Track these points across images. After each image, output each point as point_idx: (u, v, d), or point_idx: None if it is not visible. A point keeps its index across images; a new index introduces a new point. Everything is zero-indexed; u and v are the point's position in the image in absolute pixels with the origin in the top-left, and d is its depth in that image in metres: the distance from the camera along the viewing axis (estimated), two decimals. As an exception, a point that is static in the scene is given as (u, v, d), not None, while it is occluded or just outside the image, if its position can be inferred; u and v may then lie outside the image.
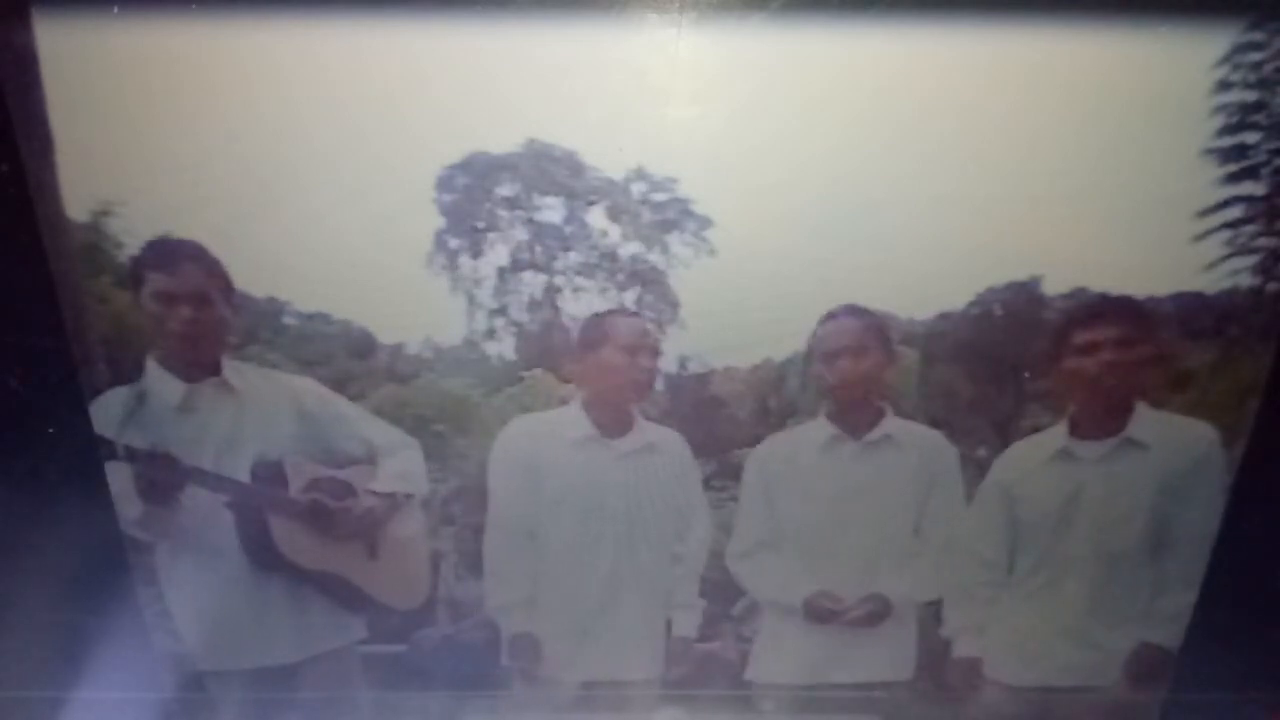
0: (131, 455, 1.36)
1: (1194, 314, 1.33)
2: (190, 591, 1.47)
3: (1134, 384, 1.40)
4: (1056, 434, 1.44)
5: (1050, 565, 1.49)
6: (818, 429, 1.48)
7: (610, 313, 1.39)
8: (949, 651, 1.56)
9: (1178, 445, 1.41)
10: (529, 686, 1.58)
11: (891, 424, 1.47)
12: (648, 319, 1.38)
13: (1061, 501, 1.46)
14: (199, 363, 1.38)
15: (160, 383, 1.37)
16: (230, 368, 1.39)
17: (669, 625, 1.57)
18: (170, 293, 1.31)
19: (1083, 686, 1.55)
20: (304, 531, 1.45)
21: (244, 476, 1.42)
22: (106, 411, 1.35)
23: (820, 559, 1.52)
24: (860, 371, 1.42)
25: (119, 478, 1.37)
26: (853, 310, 1.36)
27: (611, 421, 1.48)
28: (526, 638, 1.55)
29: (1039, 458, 1.45)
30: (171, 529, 1.42)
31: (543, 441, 1.47)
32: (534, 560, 1.52)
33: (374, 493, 1.48)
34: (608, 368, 1.42)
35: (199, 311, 1.33)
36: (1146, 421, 1.42)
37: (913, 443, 1.47)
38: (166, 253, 1.28)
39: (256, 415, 1.41)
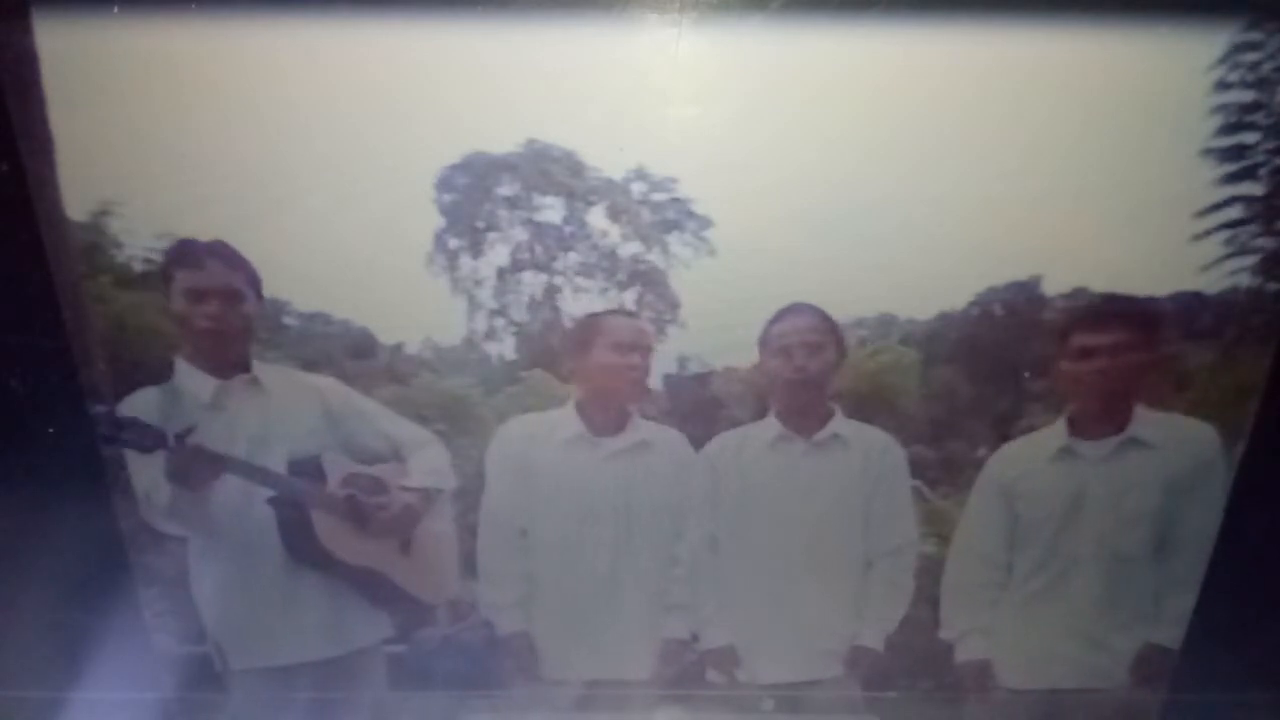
0: (179, 446, 1.36)
1: (1194, 314, 1.33)
2: (223, 588, 1.48)
3: (1132, 386, 1.40)
4: (1056, 433, 1.44)
5: (1053, 565, 1.49)
6: (767, 427, 1.48)
7: (603, 312, 1.39)
8: (952, 655, 1.56)
9: (1180, 445, 1.41)
10: (528, 685, 1.57)
11: (840, 424, 1.47)
12: (644, 318, 1.38)
13: (1064, 500, 1.46)
14: (228, 360, 1.39)
15: (190, 380, 1.38)
16: (259, 365, 1.40)
17: (664, 626, 1.56)
18: (199, 289, 1.32)
19: (1088, 689, 1.54)
20: (344, 527, 1.46)
21: (283, 473, 1.44)
22: (140, 408, 1.36)
23: (765, 567, 1.52)
24: (814, 370, 1.42)
25: (150, 470, 1.37)
26: (806, 309, 1.37)
27: (603, 421, 1.47)
28: (521, 637, 1.55)
29: (1040, 456, 1.45)
30: (204, 521, 1.43)
31: (536, 442, 1.47)
32: (527, 560, 1.52)
33: (406, 489, 1.49)
34: (598, 366, 1.42)
35: (227, 307, 1.34)
36: (1148, 421, 1.42)
37: (861, 443, 1.48)
38: (194, 250, 1.30)
39: (285, 413, 1.42)
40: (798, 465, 1.48)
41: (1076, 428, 1.44)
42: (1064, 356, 1.39)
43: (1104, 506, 1.45)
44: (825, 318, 1.38)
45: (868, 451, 1.48)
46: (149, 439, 1.35)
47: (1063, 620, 1.52)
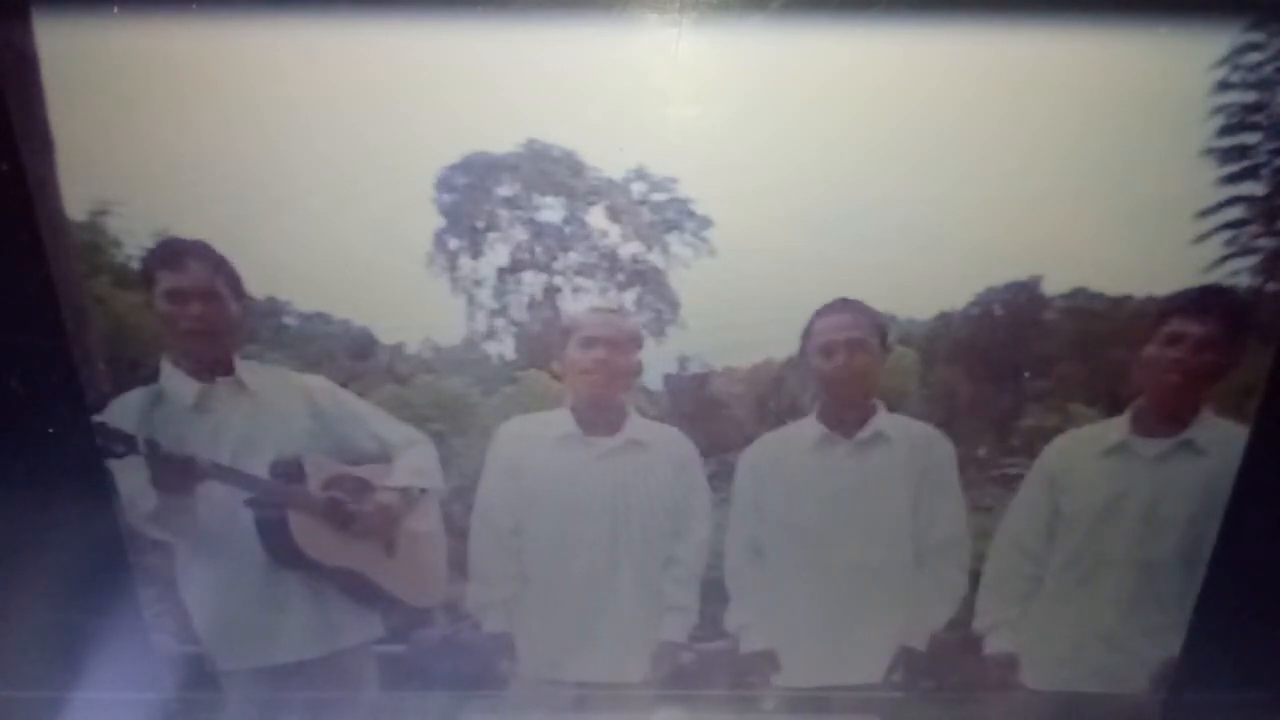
0: (151, 452, 1.36)
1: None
2: (209, 589, 1.48)
3: (1205, 386, 1.38)
4: (1117, 427, 1.42)
5: (1083, 562, 1.48)
6: (808, 428, 1.46)
7: (582, 310, 1.39)
8: (980, 648, 1.54)
9: (1233, 455, 1.39)
10: (525, 685, 1.57)
11: (884, 420, 1.46)
12: (626, 314, 1.37)
13: (1107, 497, 1.44)
14: (212, 362, 1.38)
15: (175, 382, 1.38)
16: (243, 367, 1.40)
17: (659, 629, 1.55)
18: (181, 290, 1.32)
19: (1109, 693, 1.54)
20: (323, 528, 1.46)
21: (262, 475, 1.43)
22: (123, 411, 1.35)
23: (811, 571, 1.51)
24: (857, 366, 1.40)
25: (135, 475, 1.37)
26: (849, 305, 1.36)
27: (594, 420, 1.47)
28: (502, 637, 1.54)
29: (1095, 449, 1.43)
30: (190, 526, 1.43)
31: (532, 441, 1.47)
32: (518, 560, 1.52)
33: (389, 489, 1.48)
34: (569, 364, 1.42)
35: (209, 307, 1.33)
36: (1208, 427, 1.40)
37: (906, 439, 1.46)
38: (175, 251, 1.29)
39: (271, 414, 1.41)
40: (843, 467, 1.46)
41: (1140, 424, 1.41)
42: (1153, 340, 1.35)
43: (1147, 507, 1.44)
44: (867, 316, 1.36)
45: (913, 447, 1.46)
46: (120, 444, 1.35)
47: (1088, 620, 1.50)
